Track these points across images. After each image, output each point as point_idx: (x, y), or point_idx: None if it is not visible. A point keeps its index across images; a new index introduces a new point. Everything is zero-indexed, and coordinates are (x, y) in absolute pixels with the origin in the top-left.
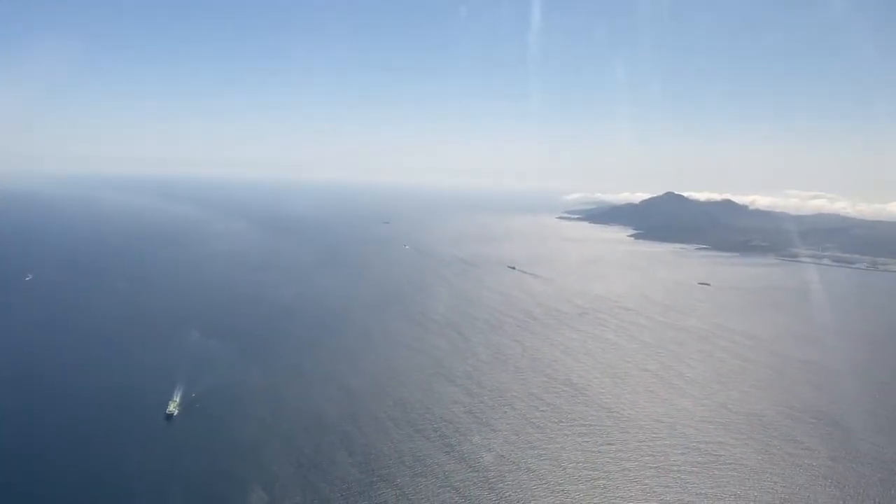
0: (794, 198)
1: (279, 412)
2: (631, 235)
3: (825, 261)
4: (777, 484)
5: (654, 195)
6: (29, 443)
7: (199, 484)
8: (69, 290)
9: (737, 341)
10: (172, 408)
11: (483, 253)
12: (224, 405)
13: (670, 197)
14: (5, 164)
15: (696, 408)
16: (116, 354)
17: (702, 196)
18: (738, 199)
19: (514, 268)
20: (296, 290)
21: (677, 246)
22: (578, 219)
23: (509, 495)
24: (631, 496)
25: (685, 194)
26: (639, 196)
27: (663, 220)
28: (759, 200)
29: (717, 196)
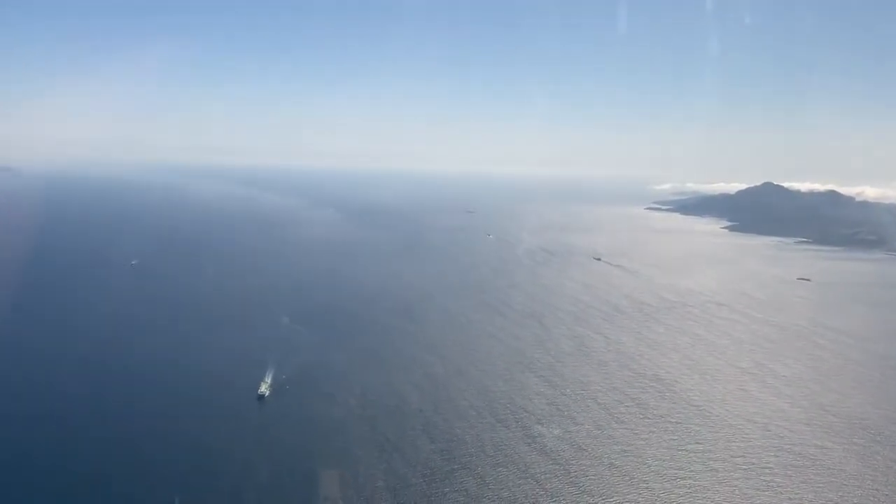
0: None
1: (363, 396)
2: (725, 227)
3: None
4: (879, 492)
5: (751, 185)
6: (130, 419)
7: (286, 462)
8: (170, 275)
9: (838, 340)
10: (264, 389)
11: (568, 243)
12: (312, 388)
13: (769, 187)
14: (116, 153)
15: (791, 408)
16: (214, 337)
17: (803, 186)
18: (844, 189)
19: (599, 259)
20: (380, 278)
21: (775, 239)
22: (669, 209)
23: (591, 489)
24: (718, 498)
25: (785, 184)
26: (734, 186)
27: (761, 211)
28: (868, 191)
29: (819, 187)
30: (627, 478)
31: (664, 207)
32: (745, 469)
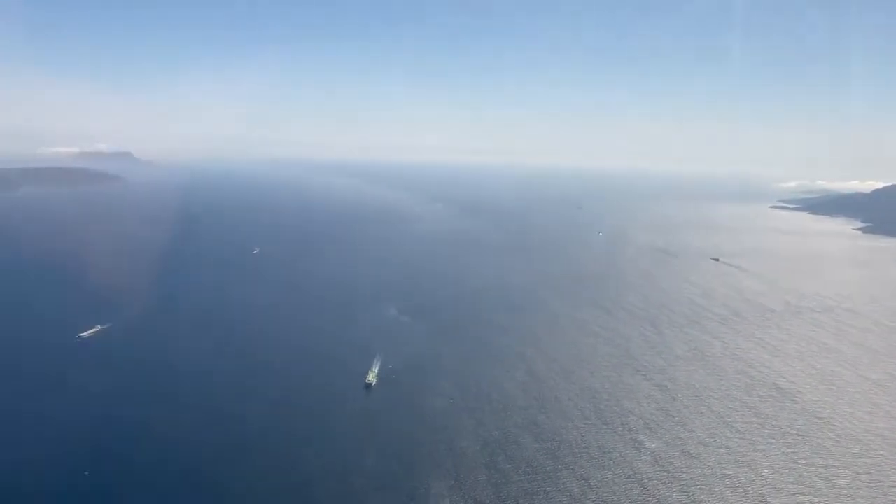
0: None
1: (467, 390)
2: (858, 229)
3: None
4: None
5: (890, 184)
6: (250, 400)
7: (392, 449)
8: (287, 263)
9: None
10: (371, 378)
11: (683, 242)
12: (417, 379)
13: None
14: (240, 149)
15: None
16: (325, 324)
17: None
18: None
19: (717, 259)
20: (487, 272)
21: None
22: (796, 209)
23: (701, 499)
24: None
25: None
26: (870, 185)
27: None
28: None
29: None
30: (741, 490)
31: (790, 206)
32: (871, 488)
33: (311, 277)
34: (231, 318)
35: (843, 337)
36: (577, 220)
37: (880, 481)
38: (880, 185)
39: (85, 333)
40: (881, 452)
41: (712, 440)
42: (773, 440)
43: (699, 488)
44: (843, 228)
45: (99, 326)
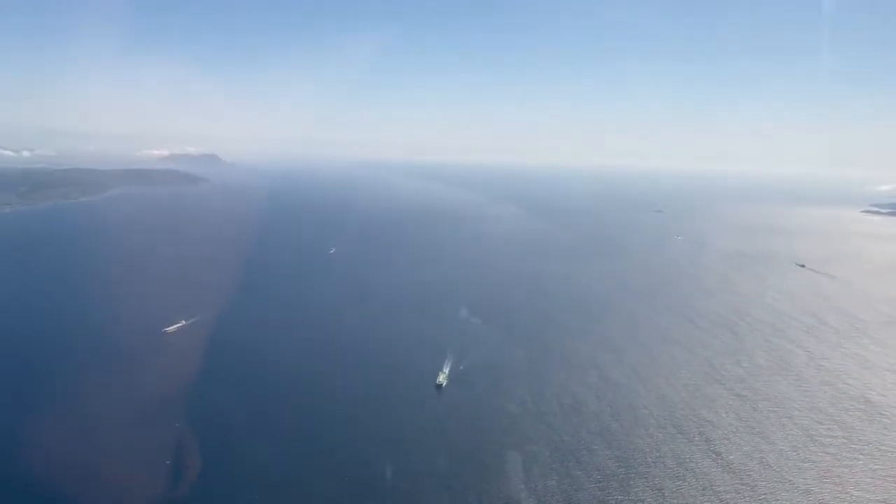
0: None
1: (539, 393)
2: None
3: None
4: None
5: None
6: (321, 398)
7: (462, 451)
8: (361, 263)
9: None
10: (442, 379)
11: (766, 247)
12: (488, 380)
13: None
14: (315, 149)
15: None
16: (398, 323)
17: None
18: None
19: (803, 266)
20: (560, 275)
21: None
22: (891, 213)
23: None
24: None
25: None
26: None
27: None
28: None
29: None
30: None
31: (884, 211)
32: None
33: (384, 276)
34: (307, 317)
35: None
36: (655, 223)
37: None
38: None
39: (170, 328)
40: None
41: (795, 453)
42: (861, 455)
43: (779, 503)
44: None
45: (183, 322)
